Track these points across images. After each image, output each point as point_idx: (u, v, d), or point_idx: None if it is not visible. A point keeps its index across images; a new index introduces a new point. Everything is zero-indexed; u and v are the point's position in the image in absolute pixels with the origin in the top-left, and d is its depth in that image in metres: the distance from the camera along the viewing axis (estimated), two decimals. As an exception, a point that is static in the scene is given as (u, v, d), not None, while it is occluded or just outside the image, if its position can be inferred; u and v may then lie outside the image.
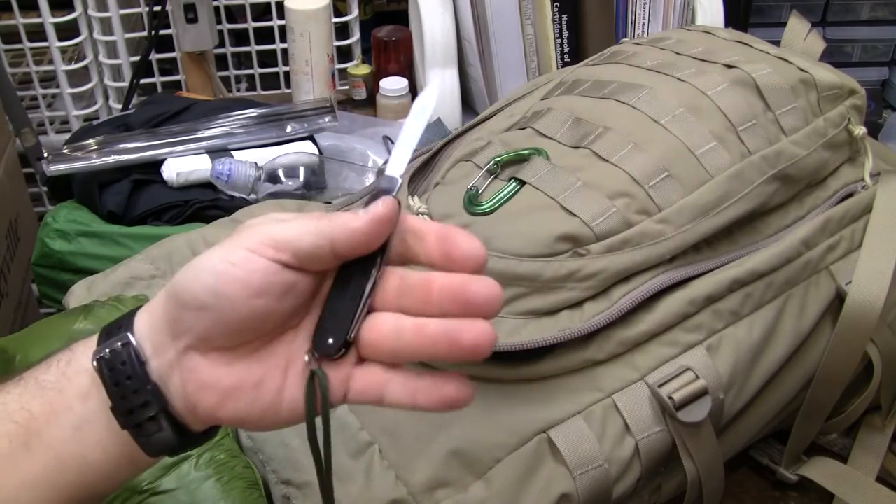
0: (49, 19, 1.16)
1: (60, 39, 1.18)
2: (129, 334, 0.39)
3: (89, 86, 1.24)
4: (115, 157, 0.88)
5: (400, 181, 0.40)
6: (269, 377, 0.39)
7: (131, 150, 0.88)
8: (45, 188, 1.19)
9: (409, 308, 0.39)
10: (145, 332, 0.39)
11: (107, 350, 0.39)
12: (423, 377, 0.39)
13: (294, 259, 0.37)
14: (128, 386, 0.38)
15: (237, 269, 0.37)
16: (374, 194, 0.39)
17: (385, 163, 0.75)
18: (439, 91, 1.08)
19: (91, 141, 0.89)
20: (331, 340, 0.39)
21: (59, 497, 0.39)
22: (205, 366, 0.38)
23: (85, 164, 0.87)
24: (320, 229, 0.37)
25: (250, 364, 0.39)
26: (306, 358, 0.39)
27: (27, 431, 0.39)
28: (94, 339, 0.40)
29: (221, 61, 1.29)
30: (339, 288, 0.39)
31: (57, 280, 0.86)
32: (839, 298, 0.63)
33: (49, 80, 1.29)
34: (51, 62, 1.21)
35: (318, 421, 0.40)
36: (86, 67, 1.23)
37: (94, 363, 0.39)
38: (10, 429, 0.38)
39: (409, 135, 0.42)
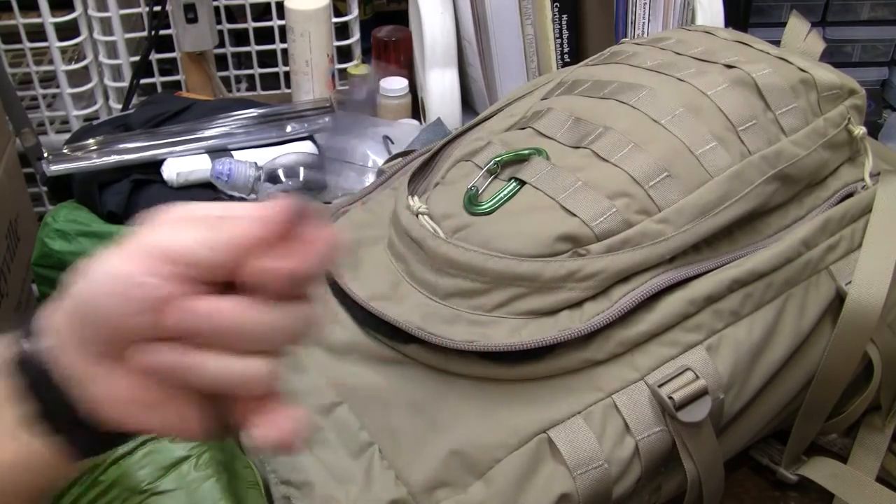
0: (49, 19, 1.16)
1: (60, 39, 1.18)
2: (39, 337, 0.37)
3: (89, 86, 1.24)
4: (115, 157, 0.88)
5: (326, 186, 0.36)
6: (182, 393, 0.36)
7: (131, 150, 0.88)
8: (45, 188, 1.19)
9: None
10: (54, 329, 0.37)
11: (18, 353, 0.37)
12: None
13: (183, 270, 0.34)
14: (42, 389, 0.37)
15: (116, 282, 0.35)
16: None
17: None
18: (440, 91, 1.08)
19: (91, 141, 0.89)
20: None
21: (8, 498, 0.38)
22: (102, 375, 0.36)
23: (85, 164, 0.87)
24: (208, 240, 0.34)
25: (146, 379, 0.36)
26: None
27: None
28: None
29: (221, 61, 1.29)
30: None
31: (57, 280, 0.86)
32: (839, 298, 0.63)
33: (49, 80, 1.29)
34: (51, 62, 1.21)
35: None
36: (86, 67, 1.23)
37: (11, 366, 0.37)
38: None
39: (339, 137, 0.37)
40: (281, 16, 1.18)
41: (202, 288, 0.35)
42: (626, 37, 1.09)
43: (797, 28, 0.74)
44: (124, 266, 0.35)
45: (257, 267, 0.34)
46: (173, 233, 0.35)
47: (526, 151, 0.63)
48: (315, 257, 0.35)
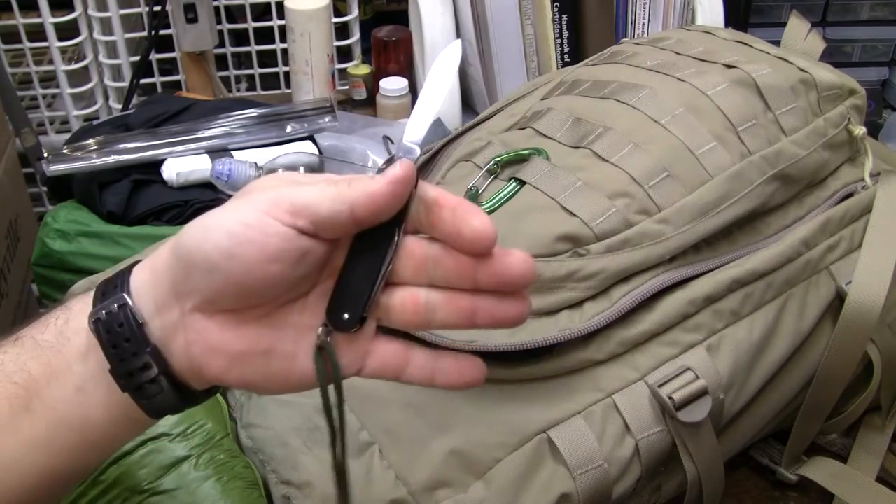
0: (49, 19, 1.16)
1: (60, 39, 1.18)
2: (125, 295, 0.37)
3: (89, 86, 1.24)
4: (115, 157, 0.88)
5: (418, 150, 0.38)
6: (280, 345, 0.38)
7: (131, 150, 0.88)
8: (45, 188, 1.20)
9: (437, 279, 0.37)
10: (146, 289, 0.38)
11: (103, 312, 0.37)
12: (443, 357, 0.39)
13: (311, 225, 0.36)
14: (126, 348, 0.37)
15: (253, 232, 0.35)
16: (390, 160, 0.37)
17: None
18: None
19: (91, 141, 0.89)
20: (346, 315, 0.37)
21: (61, 457, 0.39)
22: (212, 329, 0.37)
23: (85, 164, 0.87)
24: (339, 194, 0.35)
25: (260, 330, 0.37)
26: (319, 331, 0.38)
27: (27, 392, 0.38)
28: (92, 292, 0.39)
29: (221, 61, 1.29)
30: (354, 259, 0.38)
31: (57, 280, 0.86)
32: (839, 298, 0.63)
33: (49, 80, 1.29)
34: (51, 62, 1.21)
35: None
36: (86, 67, 1.23)
37: (91, 325, 0.37)
38: (10, 390, 0.38)
39: (430, 99, 0.39)
40: (281, 16, 1.18)
41: (321, 243, 0.36)
42: (626, 37, 1.09)
43: (797, 28, 0.74)
44: (256, 216, 0.35)
45: (452, 224, 0.36)
46: (297, 188, 0.36)
47: (526, 151, 0.63)
48: (487, 225, 0.35)
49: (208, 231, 0.36)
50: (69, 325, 0.39)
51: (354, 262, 0.38)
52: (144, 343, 0.37)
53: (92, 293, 0.39)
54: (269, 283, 0.36)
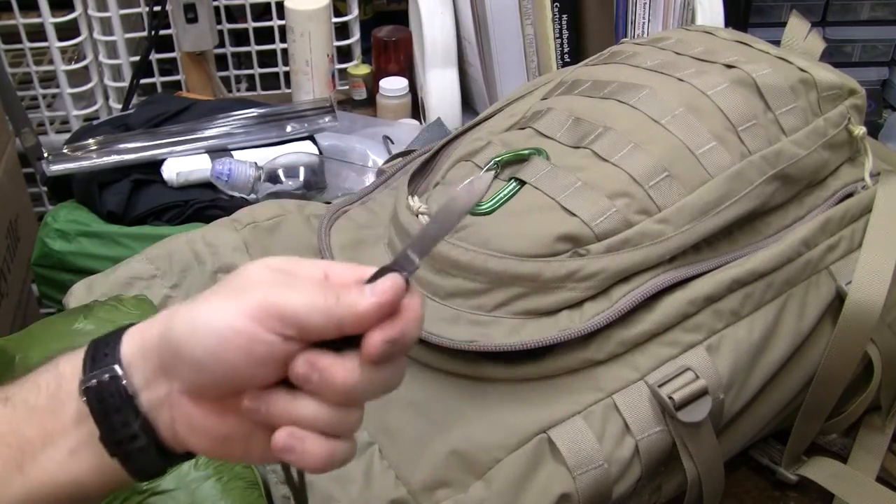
0: (49, 19, 1.16)
1: (60, 39, 1.18)
2: (117, 366, 0.38)
3: (89, 86, 1.24)
4: (115, 157, 0.88)
5: (419, 266, 0.39)
6: (259, 429, 0.39)
7: (131, 150, 0.88)
8: (45, 188, 1.19)
9: None
10: (136, 361, 0.38)
11: (94, 380, 0.38)
12: None
13: (298, 333, 0.37)
14: (116, 419, 0.38)
15: (241, 339, 0.36)
16: (384, 270, 0.38)
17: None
18: (440, 91, 1.08)
19: (91, 141, 0.89)
20: None
21: None
22: (197, 414, 0.38)
23: (85, 164, 0.87)
24: (328, 310, 0.36)
25: (241, 417, 0.38)
26: None
27: (21, 454, 0.38)
28: (82, 354, 0.39)
29: (221, 61, 1.29)
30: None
31: (57, 280, 0.86)
32: (839, 298, 0.63)
33: (49, 80, 1.29)
34: (51, 62, 1.21)
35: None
36: (86, 67, 1.23)
37: (82, 393, 0.38)
38: (3, 452, 0.38)
39: (445, 224, 0.39)
40: (281, 16, 1.18)
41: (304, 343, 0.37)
42: (626, 37, 1.09)
43: (797, 28, 0.74)
44: (245, 324, 0.36)
45: (371, 339, 0.37)
46: (286, 293, 0.37)
47: (526, 151, 0.63)
48: (413, 324, 0.38)
49: (197, 331, 0.37)
50: (62, 388, 0.39)
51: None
52: (135, 414, 0.38)
53: (81, 352, 0.39)
54: (253, 381, 0.37)
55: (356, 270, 0.39)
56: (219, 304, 0.37)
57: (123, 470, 0.39)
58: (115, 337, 0.39)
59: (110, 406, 0.38)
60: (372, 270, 0.38)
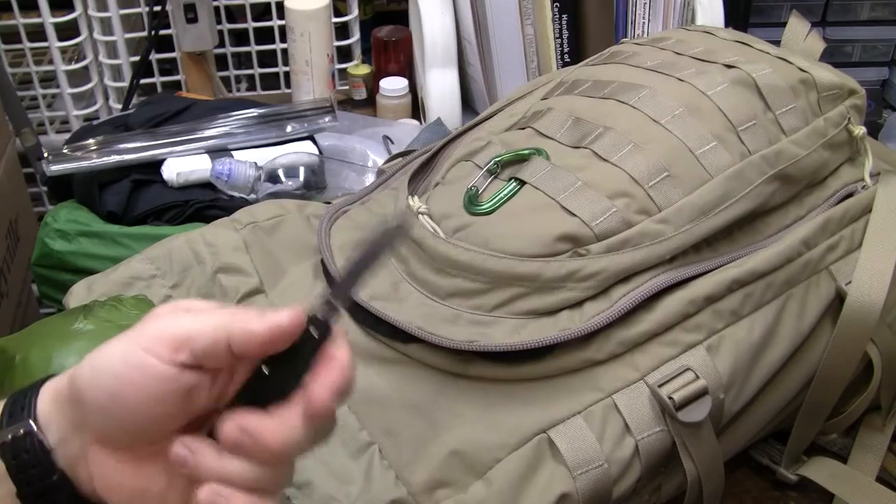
0: (49, 19, 1.16)
1: (60, 39, 1.18)
2: (31, 422, 0.37)
3: (89, 86, 1.24)
4: (115, 157, 0.88)
5: (341, 311, 0.38)
6: (175, 481, 0.38)
7: (131, 150, 0.88)
8: (45, 188, 1.20)
9: None
10: (52, 416, 0.37)
11: (9, 436, 0.37)
12: None
13: (191, 358, 0.36)
14: (33, 475, 0.37)
15: (133, 373, 0.35)
16: (327, 307, 0.37)
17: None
18: (440, 91, 1.08)
19: (91, 141, 0.89)
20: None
21: None
22: (110, 465, 0.37)
23: (85, 164, 0.87)
24: (219, 324, 0.36)
25: (155, 468, 0.38)
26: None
27: None
28: None
29: (221, 61, 1.29)
30: (260, 378, 0.38)
31: (57, 280, 0.86)
32: (839, 298, 0.63)
33: (49, 80, 1.29)
34: (51, 62, 1.21)
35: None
36: (86, 67, 1.23)
37: None
38: None
39: (362, 263, 0.39)
40: (281, 16, 1.18)
41: (213, 374, 0.36)
42: (626, 37, 1.09)
43: (797, 28, 0.74)
44: (137, 356, 0.35)
45: (316, 393, 0.36)
46: (178, 319, 0.36)
47: (526, 151, 0.63)
48: (348, 371, 0.36)
49: (97, 372, 0.36)
50: None
51: (259, 382, 0.37)
52: (51, 470, 0.37)
53: (1, 403, 0.38)
54: (158, 421, 0.36)
55: (274, 313, 0.37)
56: (115, 343, 0.36)
57: None
58: (33, 390, 0.38)
59: (25, 462, 0.37)
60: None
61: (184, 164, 0.88)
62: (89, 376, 0.36)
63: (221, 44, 1.25)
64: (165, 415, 0.36)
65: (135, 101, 1.15)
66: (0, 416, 0.38)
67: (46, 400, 0.38)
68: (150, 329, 0.36)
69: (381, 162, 0.92)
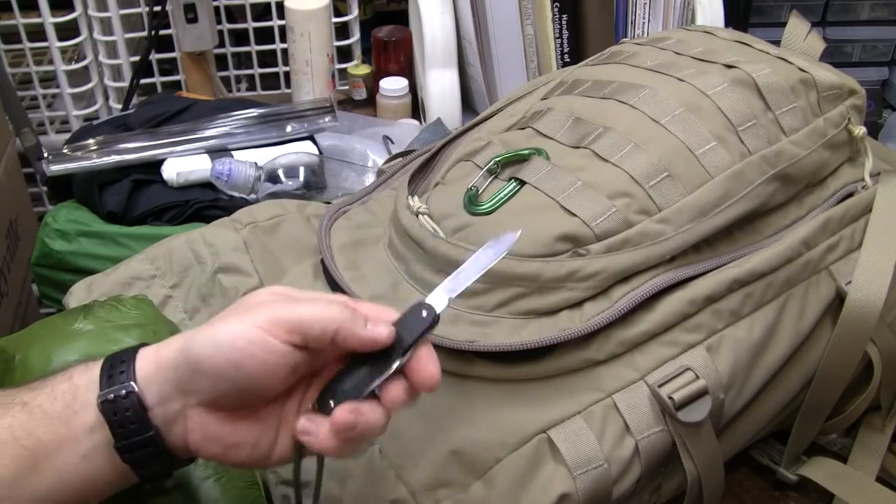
0: (49, 19, 1.16)
1: (60, 39, 1.18)
2: (133, 383, 0.42)
3: (89, 86, 1.24)
4: (115, 157, 0.88)
5: (447, 303, 0.45)
6: (265, 436, 0.44)
7: (131, 150, 0.88)
8: (45, 188, 1.20)
9: None
10: (151, 379, 0.43)
11: (111, 395, 0.42)
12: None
13: (302, 341, 0.42)
14: (131, 430, 0.42)
15: (255, 347, 0.41)
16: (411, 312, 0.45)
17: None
18: (440, 91, 1.08)
19: (91, 141, 0.89)
20: (332, 403, 0.43)
21: None
22: (211, 423, 0.43)
23: (85, 164, 0.87)
24: (330, 318, 0.42)
25: (251, 425, 0.44)
26: (301, 422, 0.44)
27: (35, 455, 0.42)
28: (96, 370, 0.43)
29: (221, 61, 1.29)
30: (358, 364, 0.44)
31: (57, 280, 0.86)
32: (839, 298, 0.63)
33: (49, 80, 1.29)
34: (51, 62, 1.21)
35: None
36: (86, 67, 1.23)
37: (99, 406, 0.42)
38: (18, 452, 0.42)
39: (477, 267, 0.47)
40: (281, 16, 1.18)
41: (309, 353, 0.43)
42: (626, 37, 1.09)
43: (797, 28, 0.74)
44: (259, 334, 0.42)
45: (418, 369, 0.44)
46: (291, 306, 0.43)
47: (526, 151, 0.63)
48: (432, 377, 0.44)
49: (218, 345, 0.42)
50: (77, 399, 0.43)
51: (356, 367, 0.44)
52: (148, 426, 0.42)
53: (97, 366, 0.44)
54: (268, 388, 0.43)
55: (380, 309, 0.45)
56: (235, 322, 0.42)
57: (132, 473, 0.43)
58: (129, 355, 0.44)
59: (125, 419, 0.42)
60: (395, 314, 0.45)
61: (184, 164, 0.88)
62: (210, 347, 0.42)
63: (221, 44, 1.25)
64: (274, 384, 0.43)
65: (135, 101, 1.15)
66: (99, 377, 0.43)
67: (146, 364, 0.43)
68: (267, 313, 0.42)
69: (381, 162, 0.92)
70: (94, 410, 0.42)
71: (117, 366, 0.43)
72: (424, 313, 0.44)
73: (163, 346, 0.44)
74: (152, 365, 0.43)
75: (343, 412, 0.42)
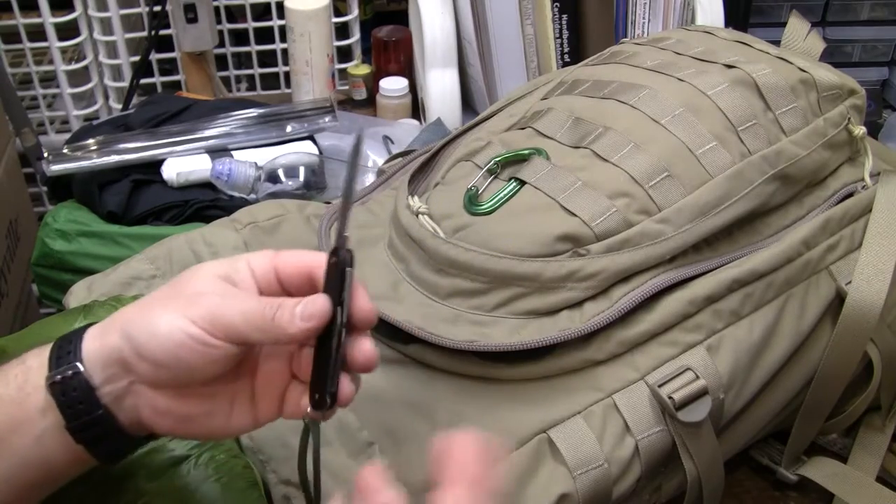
0: (49, 19, 1.16)
1: (60, 39, 1.18)
2: (79, 363, 0.42)
3: (89, 86, 1.24)
4: (115, 157, 0.88)
5: (347, 238, 0.44)
6: (219, 407, 0.44)
7: (131, 150, 0.88)
8: (45, 188, 1.19)
9: None
10: (97, 358, 0.43)
11: (58, 376, 0.42)
12: None
13: (241, 341, 0.42)
14: (80, 409, 0.42)
15: (194, 342, 0.41)
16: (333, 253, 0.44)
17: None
18: (440, 91, 1.08)
19: (91, 141, 0.89)
20: (317, 396, 0.44)
21: (20, 489, 0.44)
22: (159, 398, 0.43)
23: (85, 164, 0.87)
24: (264, 329, 0.42)
25: (202, 399, 0.44)
26: (308, 410, 0.44)
27: None
28: (47, 352, 0.43)
29: (221, 61, 1.29)
30: (318, 353, 0.44)
31: (57, 280, 0.86)
32: (839, 298, 0.63)
33: (49, 80, 1.29)
34: (51, 62, 1.21)
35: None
36: (86, 67, 1.23)
37: (48, 387, 0.42)
38: None
39: (348, 189, 0.44)
40: (281, 16, 1.18)
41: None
42: (626, 37, 1.09)
43: (797, 28, 0.74)
44: (197, 331, 0.41)
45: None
46: (229, 306, 0.42)
47: (526, 151, 0.63)
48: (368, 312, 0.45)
49: (157, 337, 0.41)
50: (28, 381, 0.43)
51: (318, 355, 0.44)
52: (96, 405, 0.42)
53: (48, 348, 0.44)
54: (210, 376, 0.43)
55: (304, 260, 0.44)
56: (173, 314, 0.42)
57: (88, 454, 0.43)
58: (77, 335, 0.44)
59: (74, 399, 0.42)
60: (320, 261, 0.44)
61: (184, 164, 0.88)
62: (148, 337, 0.41)
63: (221, 44, 1.25)
64: (219, 370, 0.43)
65: (135, 101, 1.15)
66: (48, 358, 0.43)
67: (92, 343, 0.43)
68: (204, 310, 0.42)
69: (381, 162, 0.92)
70: (44, 392, 0.42)
71: (65, 346, 0.43)
72: (334, 259, 0.44)
73: (107, 327, 0.44)
74: (97, 344, 0.43)
75: (347, 395, 0.44)
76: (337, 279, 0.44)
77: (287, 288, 0.45)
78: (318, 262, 0.44)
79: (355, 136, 0.43)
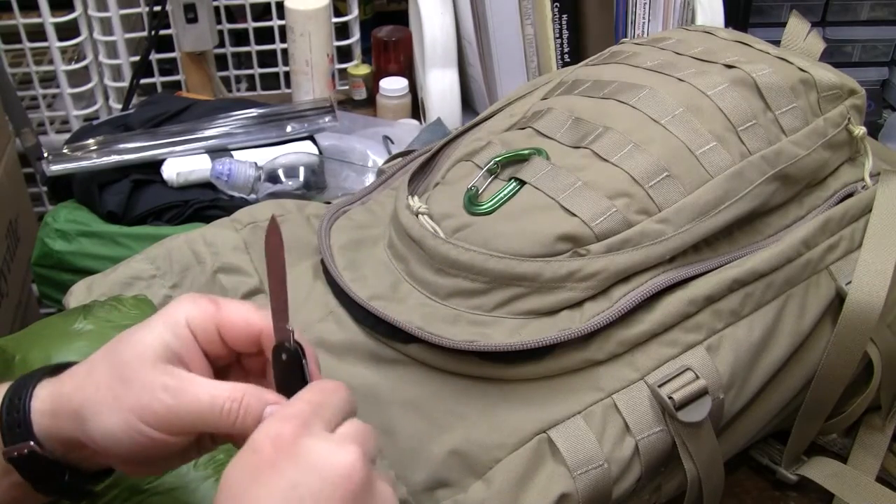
0: (49, 19, 1.16)
1: (60, 39, 1.18)
2: (33, 443, 0.42)
3: (89, 86, 1.24)
4: (115, 157, 0.88)
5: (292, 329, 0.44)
6: (183, 455, 0.45)
7: (131, 150, 0.88)
8: (45, 188, 1.20)
9: None
10: (52, 436, 0.43)
11: (15, 453, 0.42)
12: None
13: (200, 433, 0.44)
14: (43, 476, 0.43)
15: (151, 442, 0.41)
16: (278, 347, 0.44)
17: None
18: (440, 91, 1.08)
19: (91, 141, 0.89)
20: None
21: None
22: (119, 460, 0.44)
23: (85, 164, 0.87)
24: (225, 425, 0.42)
25: (161, 446, 0.43)
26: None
27: None
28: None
29: (221, 61, 1.29)
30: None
31: (57, 280, 0.86)
32: (839, 298, 0.63)
33: (49, 80, 1.29)
34: (51, 62, 1.21)
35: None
36: (86, 67, 1.23)
37: (7, 460, 0.43)
38: None
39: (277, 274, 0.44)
40: (281, 16, 1.18)
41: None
42: (626, 37, 1.09)
43: (797, 28, 0.74)
44: (149, 431, 0.41)
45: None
46: (155, 398, 0.42)
47: (526, 151, 0.63)
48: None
49: (112, 436, 0.41)
50: None
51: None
52: (61, 473, 0.44)
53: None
54: (169, 454, 0.43)
55: (249, 322, 0.44)
56: (127, 415, 0.41)
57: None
58: (24, 408, 0.43)
59: (37, 472, 0.43)
60: (266, 321, 0.44)
61: (184, 164, 0.88)
62: (103, 437, 0.42)
63: (221, 44, 1.25)
64: (177, 450, 0.43)
65: (135, 101, 1.15)
66: (2, 433, 0.43)
67: (45, 424, 0.43)
68: (154, 413, 0.41)
69: (381, 162, 0.92)
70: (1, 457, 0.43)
71: (14, 417, 0.43)
72: (285, 356, 0.44)
73: (58, 408, 0.43)
74: (50, 422, 0.43)
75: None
76: (297, 372, 0.44)
77: (231, 346, 0.45)
78: (263, 323, 0.44)
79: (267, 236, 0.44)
